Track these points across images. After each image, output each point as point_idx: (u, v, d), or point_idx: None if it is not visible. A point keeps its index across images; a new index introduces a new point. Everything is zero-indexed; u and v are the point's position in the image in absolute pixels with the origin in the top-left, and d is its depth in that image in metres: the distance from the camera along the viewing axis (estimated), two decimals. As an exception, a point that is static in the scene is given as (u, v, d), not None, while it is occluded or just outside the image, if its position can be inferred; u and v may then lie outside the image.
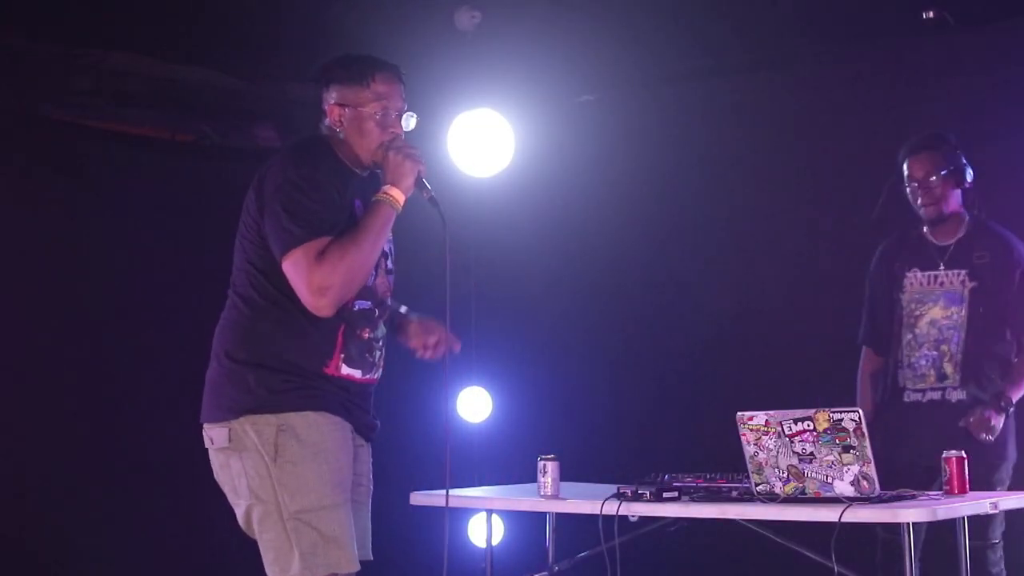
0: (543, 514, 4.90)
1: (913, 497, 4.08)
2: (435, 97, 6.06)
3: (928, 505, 3.91)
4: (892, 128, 5.47)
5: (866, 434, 3.87)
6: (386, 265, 3.52)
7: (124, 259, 5.69)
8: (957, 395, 4.58)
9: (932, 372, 4.62)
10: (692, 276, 5.97)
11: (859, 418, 3.88)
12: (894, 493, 4.06)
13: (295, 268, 3.28)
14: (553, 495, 4.49)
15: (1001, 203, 5.25)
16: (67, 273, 5.53)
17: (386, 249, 3.50)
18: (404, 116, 3.47)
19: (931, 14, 5.19)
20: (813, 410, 3.99)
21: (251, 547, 3.42)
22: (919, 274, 4.67)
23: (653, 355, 6.08)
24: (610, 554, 4.23)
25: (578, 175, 6.18)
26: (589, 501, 4.31)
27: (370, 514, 3.60)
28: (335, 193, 3.33)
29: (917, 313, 4.66)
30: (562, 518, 4.83)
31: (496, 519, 5.45)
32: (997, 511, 4.05)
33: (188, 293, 5.77)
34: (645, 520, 4.40)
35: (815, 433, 3.93)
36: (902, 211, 4.77)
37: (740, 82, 5.92)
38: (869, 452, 3.88)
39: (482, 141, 6.07)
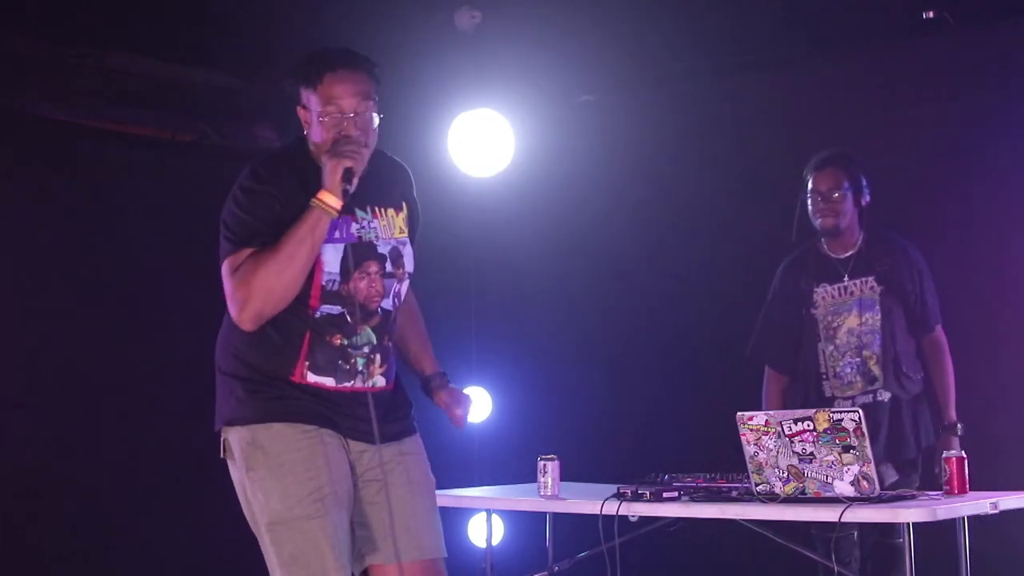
0: (543, 514, 4.90)
1: (913, 497, 4.09)
2: (435, 97, 6.07)
3: (928, 505, 3.91)
4: (892, 128, 5.48)
5: (866, 434, 3.88)
6: (381, 268, 3.39)
7: (124, 259, 5.68)
8: (883, 396, 4.78)
9: (859, 379, 4.80)
10: (692, 276, 5.97)
11: (859, 418, 3.89)
12: (894, 493, 4.07)
13: (223, 280, 3.28)
14: (553, 495, 4.49)
15: (1001, 202, 5.27)
16: (67, 273, 5.53)
17: (383, 251, 3.40)
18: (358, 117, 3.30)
19: (931, 14, 5.20)
20: (813, 410, 4.00)
21: (255, 548, 3.42)
22: (827, 288, 4.87)
23: (653, 355, 6.08)
24: (610, 554, 4.23)
25: (578, 175, 6.18)
26: (589, 501, 4.31)
27: (390, 512, 3.41)
28: (275, 203, 3.26)
29: (835, 325, 4.84)
30: (562, 518, 4.83)
31: (496, 519, 5.45)
32: (997, 511, 4.06)
33: (187, 293, 5.77)
34: (645, 520, 4.40)
35: (815, 433, 3.94)
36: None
37: (740, 82, 5.91)
38: (869, 452, 3.89)
39: (482, 141, 6.07)
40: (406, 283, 3.49)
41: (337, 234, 3.32)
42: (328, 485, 3.28)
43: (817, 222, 4.85)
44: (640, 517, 4.32)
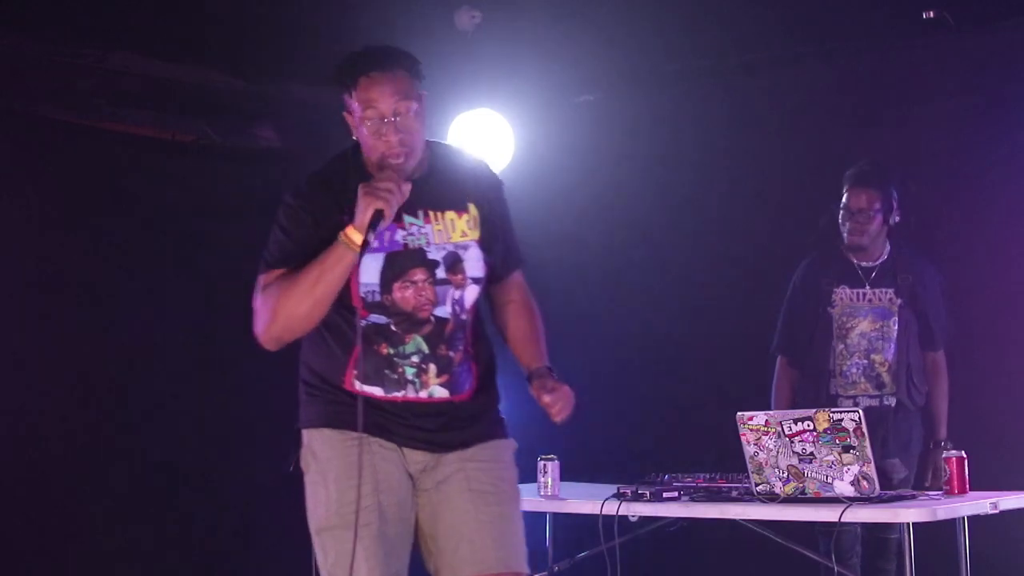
0: (543, 514, 4.90)
1: (913, 497, 4.09)
2: (435, 97, 6.04)
3: (928, 505, 3.92)
4: (891, 128, 5.48)
5: (866, 434, 3.88)
6: (430, 275, 3.23)
7: (124, 259, 5.68)
8: (890, 401, 4.87)
9: (863, 380, 4.90)
10: (692, 276, 5.97)
11: (859, 418, 3.89)
12: (894, 493, 4.07)
13: (254, 294, 3.23)
14: (553, 495, 4.50)
15: (1002, 201, 5.27)
16: (67, 273, 5.53)
17: (435, 257, 3.24)
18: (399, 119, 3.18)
19: (931, 14, 5.20)
20: (813, 410, 4.00)
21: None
22: (847, 290, 4.96)
23: (653, 355, 6.08)
24: (610, 554, 4.24)
25: (578, 175, 6.18)
26: (589, 501, 4.32)
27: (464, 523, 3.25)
28: (312, 222, 3.19)
29: (848, 326, 4.94)
30: (562, 518, 4.83)
31: (496, 519, 5.44)
32: (997, 511, 4.07)
33: (187, 293, 5.78)
34: (645, 520, 4.40)
35: (815, 433, 3.94)
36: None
37: (739, 82, 5.91)
38: (869, 452, 3.89)
39: (482, 141, 6.07)
40: (472, 288, 3.30)
41: (376, 243, 3.20)
42: (371, 495, 3.17)
43: (845, 238, 4.95)
44: (640, 517, 4.32)
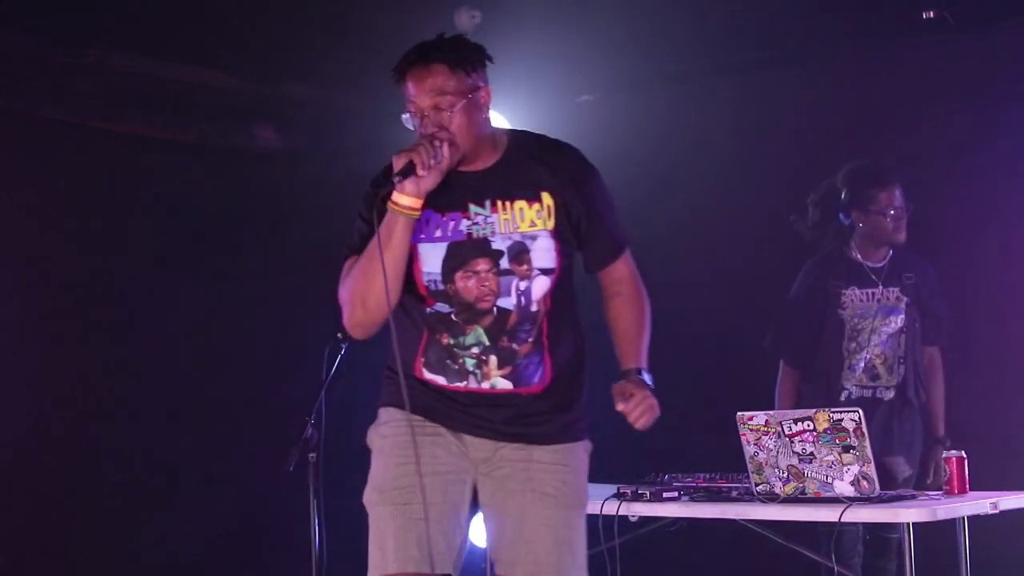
0: (543, 514, 4.89)
1: (913, 497, 4.10)
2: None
3: (928, 505, 3.92)
4: (892, 128, 5.48)
5: (866, 434, 3.88)
6: (493, 265, 3.21)
7: (124, 259, 5.68)
8: (888, 395, 4.87)
9: (877, 373, 4.91)
10: (692, 276, 5.97)
11: (859, 418, 3.89)
12: (894, 493, 4.08)
13: None
14: (553, 495, 4.48)
15: (1001, 202, 5.27)
16: (67, 273, 5.53)
17: (499, 247, 3.21)
18: (434, 114, 3.17)
19: (931, 14, 5.20)
20: (813, 410, 4.01)
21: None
22: (857, 291, 4.95)
23: (653, 355, 6.04)
24: (610, 554, 4.24)
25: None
26: (589, 501, 4.30)
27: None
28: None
29: (860, 327, 4.93)
30: (562, 518, 4.82)
31: (496, 519, 5.44)
32: (997, 511, 4.07)
33: (187, 293, 5.78)
34: (645, 520, 4.40)
35: (815, 433, 3.95)
36: (833, 229, 5.03)
37: (739, 83, 5.92)
38: (869, 452, 3.89)
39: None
40: (540, 279, 3.28)
41: (439, 232, 3.20)
42: (413, 476, 3.17)
43: (894, 237, 4.91)
44: (640, 517, 4.32)
